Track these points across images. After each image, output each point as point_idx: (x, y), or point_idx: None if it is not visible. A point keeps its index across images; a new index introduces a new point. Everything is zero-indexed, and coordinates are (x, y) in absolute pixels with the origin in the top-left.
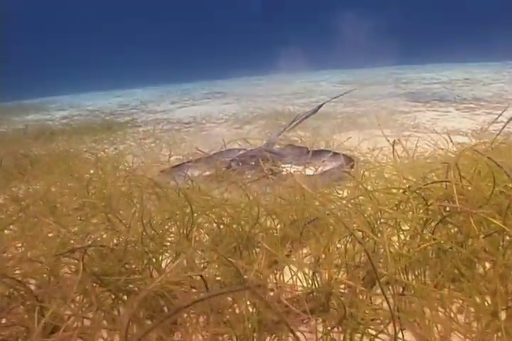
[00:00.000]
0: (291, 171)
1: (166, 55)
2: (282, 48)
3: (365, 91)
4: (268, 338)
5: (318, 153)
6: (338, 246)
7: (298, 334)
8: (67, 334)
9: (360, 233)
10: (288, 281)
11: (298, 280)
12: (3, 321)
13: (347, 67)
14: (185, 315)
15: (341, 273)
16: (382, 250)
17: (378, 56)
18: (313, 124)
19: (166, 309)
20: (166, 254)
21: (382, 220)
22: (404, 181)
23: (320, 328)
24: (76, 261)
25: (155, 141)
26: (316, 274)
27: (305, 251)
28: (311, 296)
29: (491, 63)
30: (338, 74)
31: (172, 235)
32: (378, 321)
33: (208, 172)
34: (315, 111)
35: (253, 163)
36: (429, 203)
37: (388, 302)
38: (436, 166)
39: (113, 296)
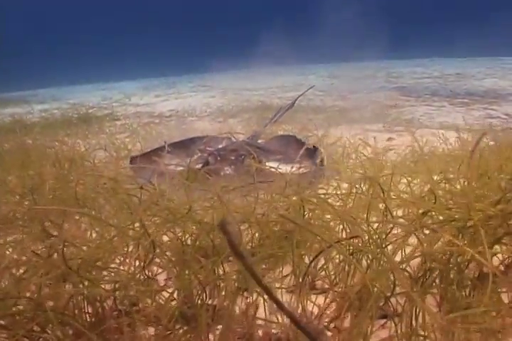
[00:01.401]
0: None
1: (153, 48)
2: (271, 42)
3: (355, 85)
4: None
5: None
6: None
7: None
8: None
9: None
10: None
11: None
12: None
13: (336, 60)
14: None
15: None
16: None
17: (367, 50)
18: (302, 118)
19: None
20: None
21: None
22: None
23: None
24: None
25: (131, 135)
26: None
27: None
28: None
29: (482, 58)
30: (327, 67)
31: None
32: None
33: (180, 167)
34: (293, 103)
35: (233, 158)
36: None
37: None
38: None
39: None
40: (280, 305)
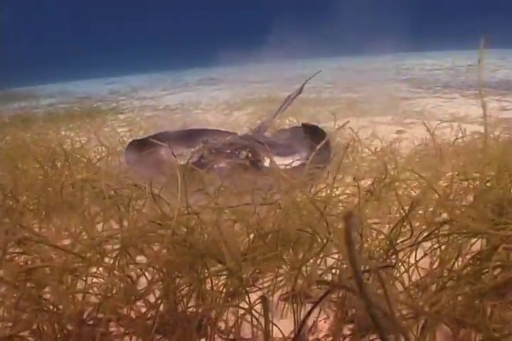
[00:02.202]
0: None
1: (161, 41)
2: (279, 35)
3: (364, 77)
4: None
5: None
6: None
7: None
8: None
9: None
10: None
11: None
12: None
13: (345, 53)
14: None
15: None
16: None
17: (377, 42)
18: (309, 111)
19: None
20: None
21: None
22: None
23: None
24: None
25: (132, 129)
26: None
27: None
28: None
29: (494, 50)
30: (336, 60)
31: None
32: None
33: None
34: (301, 89)
35: (228, 152)
36: None
37: None
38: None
39: None
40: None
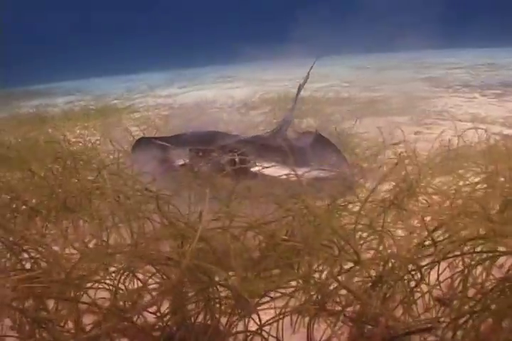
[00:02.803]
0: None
1: (179, 39)
2: (296, 32)
3: (383, 75)
4: None
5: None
6: None
7: None
8: None
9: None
10: None
11: None
12: None
13: (363, 51)
14: None
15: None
16: None
17: (395, 40)
18: (326, 110)
19: None
20: None
21: None
22: None
23: None
24: None
25: (146, 128)
26: None
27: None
28: None
29: None
30: (354, 58)
31: None
32: None
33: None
34: (306, 78)
35: (215, 155)
36: None
37: None
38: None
39: None
40: None
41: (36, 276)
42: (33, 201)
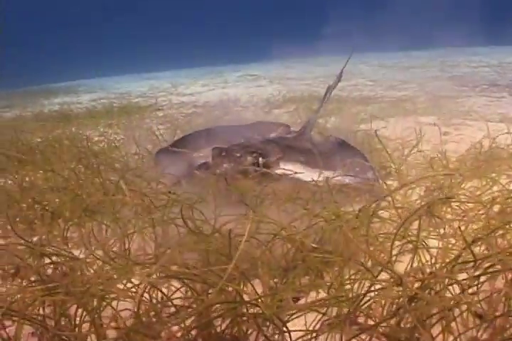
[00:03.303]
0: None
1: (201, 37)
2: (319, 30)
3: (407, 74)
4: None
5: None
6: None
7: None
8: None
9: None
10: None
11: None
12: None
13: (387, 49)
14: None
15: None
16: None
17: (419, 38)
18: (351, 109)
19: None
20: None
21: None
22: None
23: None
24: None
25: (170, 127)
26: None
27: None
28: None
29: None
30: (378, 56)
31: None
32: None
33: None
34: (339, 76)
35: (238, 156)
36: None
37: None
38: None
39: None
40: None
41: (57, 286)
42: (56, 201)
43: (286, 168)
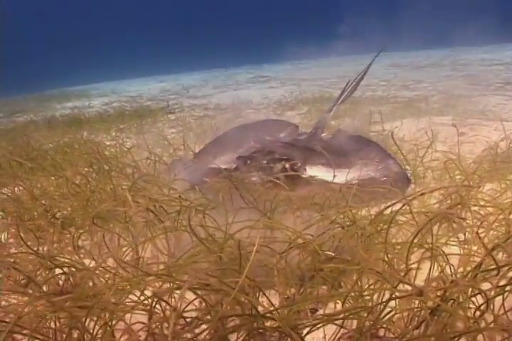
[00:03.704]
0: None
1: (213, 39)
2: (330, 31)
3: (420, 73)
4: None
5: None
6: None
7: None
8: None
9: None
10: None
11: None
12: None
13: (399, 49)
14: None
15: None
16: None
17: (431, 37)
18: (364, 110)
19: None
20: None
21: None
22: None
23: None
24: None
25: (182, 131)
26: None
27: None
28: None
29: None
30: (390, 56)
31: None
32: None
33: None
34: (365, 72)
35: (265, 163)
36: None
37: None
38: None
39: None
40: None
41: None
42: (68, 208)
43: (312, 170)
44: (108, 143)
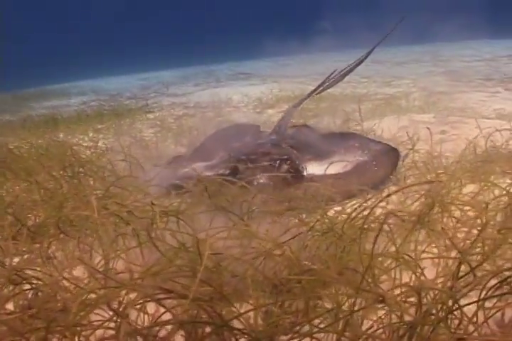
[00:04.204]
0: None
1: (193, 35)
2: (311, 28)
3: (401, 70)
4: None
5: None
6: None
7: None
8: None
9: None
10: None
11: None
12: None
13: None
14: None
15: None
16: None
17: (411, 33)
18: (345, 108)
19: None
20: None
21: None
22: None
23: None
24: None
25: (160, 131)
26: None
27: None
28: None
29: None
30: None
31: None
32: None
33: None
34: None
35: (266, 164)
36: None
37: None
38: None
39: None
40: None
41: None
42: (40, 216)
43: (310, 166)
44: (85, 144)
